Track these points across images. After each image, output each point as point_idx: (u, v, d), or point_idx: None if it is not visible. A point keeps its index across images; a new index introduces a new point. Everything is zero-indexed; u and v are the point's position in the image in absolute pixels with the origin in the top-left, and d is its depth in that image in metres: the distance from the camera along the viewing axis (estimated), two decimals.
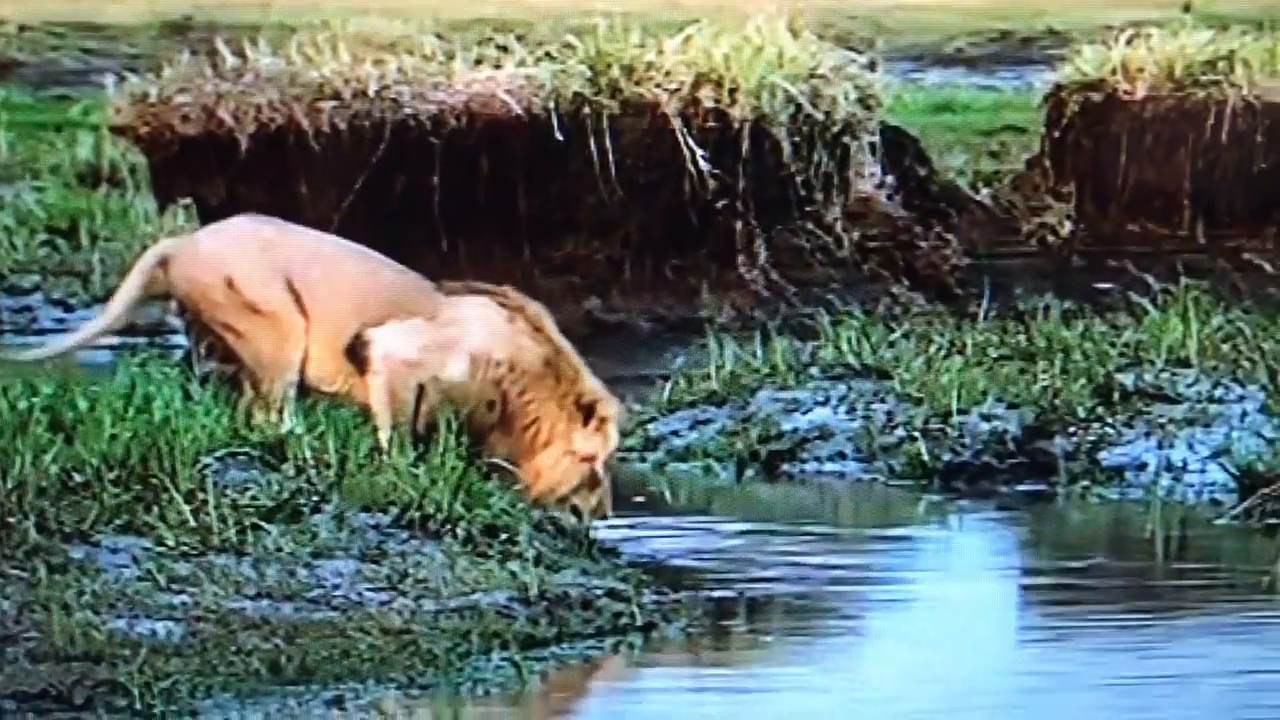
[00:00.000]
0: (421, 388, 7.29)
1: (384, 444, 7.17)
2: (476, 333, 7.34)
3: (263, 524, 6.62)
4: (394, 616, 6.33)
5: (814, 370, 9.29)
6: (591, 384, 7.41)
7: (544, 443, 7.34)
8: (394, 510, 6.81)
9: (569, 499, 7.37)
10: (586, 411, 7.36)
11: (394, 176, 11.41)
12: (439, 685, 6.05)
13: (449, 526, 6.79)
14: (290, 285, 7.33)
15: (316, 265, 7.38)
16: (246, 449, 6.96)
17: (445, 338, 7.34)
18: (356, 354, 7.33)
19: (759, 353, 9.53)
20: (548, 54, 11.79)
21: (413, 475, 6.92)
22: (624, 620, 6.57)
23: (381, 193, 11.34)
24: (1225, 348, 9.36)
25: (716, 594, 7.01)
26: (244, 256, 7.36)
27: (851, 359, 9.32)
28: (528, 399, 7.33)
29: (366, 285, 7.38)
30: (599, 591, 6.69)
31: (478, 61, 11.71)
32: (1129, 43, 12.45)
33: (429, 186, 11.45)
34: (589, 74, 11.57)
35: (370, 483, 6.89)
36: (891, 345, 9.52)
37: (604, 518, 7.42)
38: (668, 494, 8.49)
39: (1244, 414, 8.77)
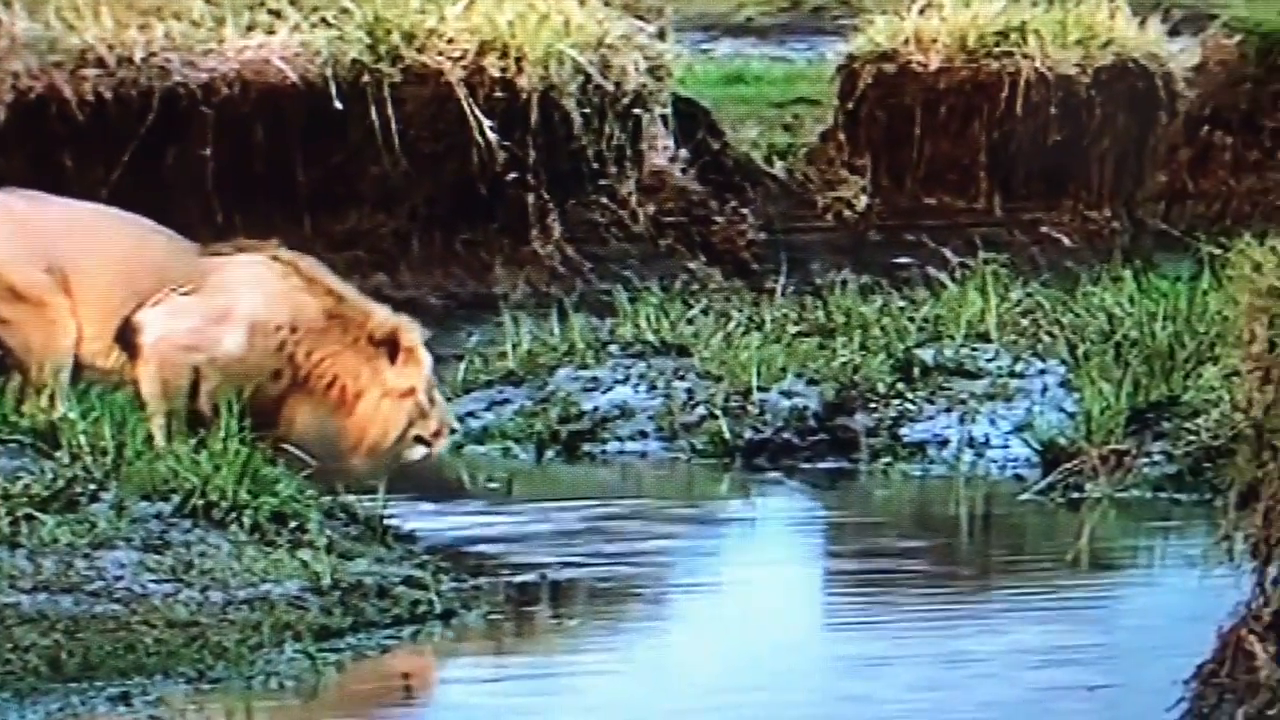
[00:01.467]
0: (196, 370, 7.01)
1: (157, 435, 6.90)
2: (250, 298, 7.09)
3: (37, 514, 6.38)
4: (180, 608, 6.15)
5: (613, 348, 9.19)
6: (382, 316, 7.18)
7: (355, 394, 7.12)
8: (176, 498, 6.60)
9: (406, 437, 7.12)
10: (389, 346, 7.10)
11: (164, 148, 11.04)
12: (229, 679, 5.88)
13: (234, 514, 6.59)
14: (52, 265, 7.01)
15: (77, 238, 7.11)
16: (17, 436, 6.74)
17: (217, 309, 7.07)
18: (127, 340, 7.03)
19: (556, 330, 9.40)
20: (324, 19, 11.47)
21: (194, 461, 6.70)
22: (422, 608, 6.42)
23: (152, 165, 10.98)
24: (1025, 322, 9.38)
25: (518, 579, 6.86)
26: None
27: (650, 336, 9.25)
28: (319, 357, 7.10)
29: (132, 255, 7.12)
30: (395, 579, 6.53)
31: (250, 27, 11.36)
32: (921, 13, 12.40)
33: (202, 158, 11.09)
34: (368, 40, 11.28)
35: (150, 470, 6.68)
36: (690, 322, 9.48)
37: (453, 432, 7.20)
38: (465, 477, 8.31)
39: (1045, 388, 8.77)
